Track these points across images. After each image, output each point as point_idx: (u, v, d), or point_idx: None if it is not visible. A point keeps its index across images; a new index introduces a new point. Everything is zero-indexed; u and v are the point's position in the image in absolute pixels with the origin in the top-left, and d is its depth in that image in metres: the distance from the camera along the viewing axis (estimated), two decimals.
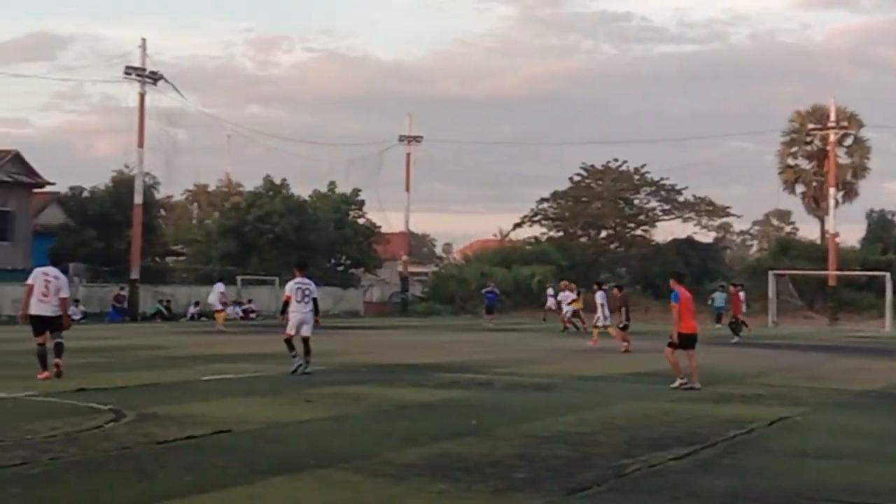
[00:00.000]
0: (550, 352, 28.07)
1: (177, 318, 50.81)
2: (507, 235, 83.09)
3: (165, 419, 12.56)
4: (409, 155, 68.52)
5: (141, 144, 50.31)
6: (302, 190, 68.63)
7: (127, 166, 60.72)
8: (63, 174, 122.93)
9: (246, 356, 23.98)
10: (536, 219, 78.83)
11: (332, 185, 68.01)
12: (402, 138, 68.02)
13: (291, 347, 19.43)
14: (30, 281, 17.57)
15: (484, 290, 52.11)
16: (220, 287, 42.19)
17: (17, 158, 54.51)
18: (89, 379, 17.21)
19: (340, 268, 68.67)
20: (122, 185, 57.56)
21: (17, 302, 46.52)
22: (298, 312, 19.51)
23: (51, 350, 17.48)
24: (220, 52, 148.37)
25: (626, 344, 27.85)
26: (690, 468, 9.88)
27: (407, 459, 9.99)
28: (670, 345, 17.64)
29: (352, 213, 67.69)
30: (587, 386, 18.23)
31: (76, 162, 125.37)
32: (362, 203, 67.88)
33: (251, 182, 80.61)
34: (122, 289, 51.33)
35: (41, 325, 17.39)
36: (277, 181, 65.30)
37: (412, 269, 75.95)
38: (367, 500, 8.31)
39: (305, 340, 19.50)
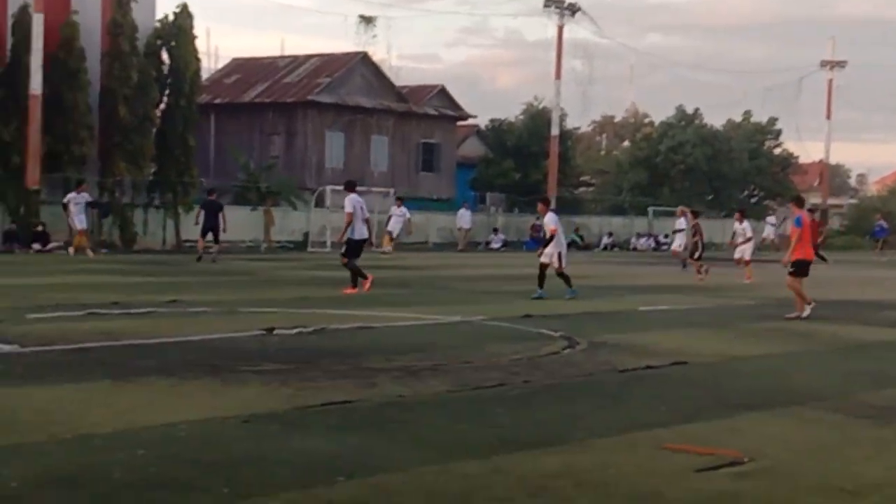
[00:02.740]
0: None
1: (590, 248, 51.56)
2: None
3: (616, 348, 12.71)
4: (830, 81, 65.15)
5: (558, 76, 51.14)
6: (714, 119, 67.34)
7: (536, 98, 62.20)
8: (471, 107, 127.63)
9: (671, 287, 23.90)
10: None
11: (747, 113, 66.08)
12: (823, 63, 64.73)
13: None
14: (349, 209, 19.23)
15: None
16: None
17: (442, 92, 57.17)
18: (532, 306, 17.80)
19: (754, 199, 66.84)
20: (538, 117, 58.96)
21: (443, 230, 49.50)
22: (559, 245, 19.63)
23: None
24: None
25: None
26: None
27: (884, 402, 9.49)
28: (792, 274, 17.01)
29: (767, 143, 65.52)
30: None
31: (482, 95, 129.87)
32: (778, 132, 65.51)
33: (656, 112, 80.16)
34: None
35: (361, 247, 19.59)
36: (689, 111, 64.36)
37: (832, 200, 72.51)
38: (857, 440, 7.95)
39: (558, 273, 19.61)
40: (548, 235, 19.63)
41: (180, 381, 9.47)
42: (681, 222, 31.42)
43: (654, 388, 9.93)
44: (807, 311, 16.87)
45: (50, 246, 33.63)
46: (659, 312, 17.41)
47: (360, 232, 19.44)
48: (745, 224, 28.91)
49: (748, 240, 28.39)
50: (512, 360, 11.38)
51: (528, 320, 15.52)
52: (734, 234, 29.21)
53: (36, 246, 33.22)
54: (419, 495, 6.02)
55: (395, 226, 39.01)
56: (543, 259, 19.52)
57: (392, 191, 47.83)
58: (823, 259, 33.43)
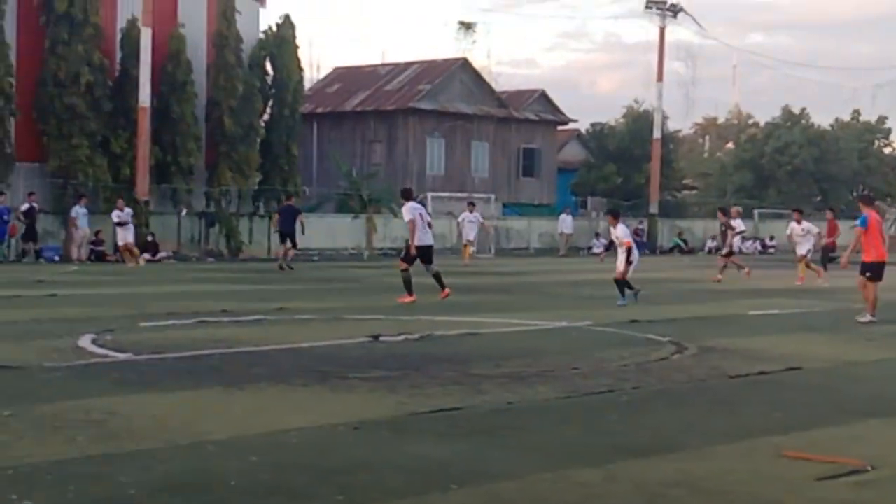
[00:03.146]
0: None
1: (694, 252, 50.82)
2: None
3: (727, 353, 12.46)
4: None
5: (660, 78, 50.57)
6: (822, 119, 65.97)
7: (636, 101, 61.61)
8: (571, 112, 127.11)
9: (781, 291, 23.42)
10: None
11: (856, 112, 64.66)
12: None
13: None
14: (409, 217, 19.02)
15: None
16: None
17: (543, 97, 56.96)
18: (638, 311, 17.58)
19: None
20: (639, 120, 58.40)
21: (544, 235, 49.31)
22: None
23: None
24: None
25: None
26: None
27: None
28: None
29: (877, 142, 63.91)
30: None
31: (581, 99, 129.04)
32: (889, 131, 63.87)
33: (760, 112, 78.97)
34: (640, 223, 52.23)
35: (424, 254, 19.08)
36: (795, 111, 63.13)
37: None
38: None
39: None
40: (622, 248, 19.02)
41: (290, 387, 9.54)
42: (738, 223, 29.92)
43: (769, 395, 9.70)
44: (866, 318, 16.29)
45: (160, 256, 34.34)
46: (770, 317, 17.05)
47: (422, 239, 19.11)
48: (805, 224, 27.64)
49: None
50: (620, 366, 11.23)
51: (634, 325, 15.34)
52: (790, 233, 28.13)
53: (146, 255, 33.94)
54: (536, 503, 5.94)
55: (470, 232, 37.04)
56: (619, 275, 19.15)
57: (493, 196, 47.88)
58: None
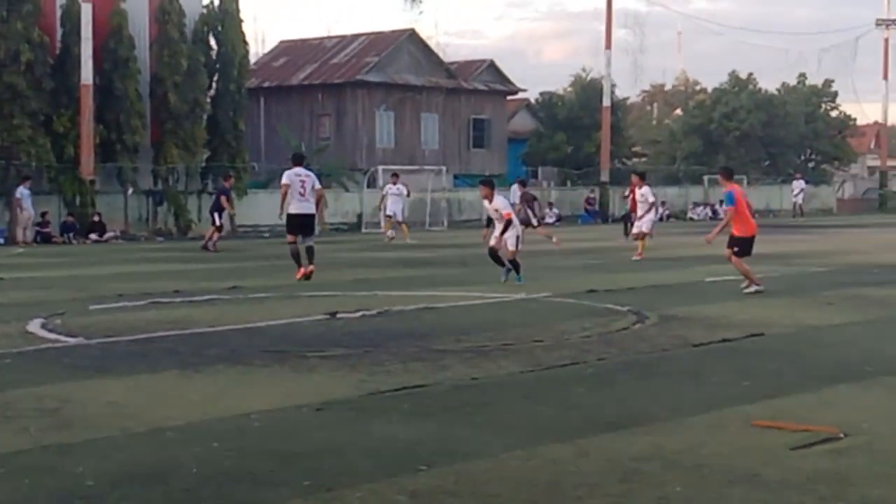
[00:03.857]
0: None
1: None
2: None
3: (688, 321, 12.39)
4: (886, 40, 63.77)
5: (608, 46, 50.41)
6: (768, 84, 66.24)
7: (584, 70, 61.53)
8: (518, 81, 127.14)
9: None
10: None
11: (802, 76, 64.93)
12: (879, 22, 63.37)
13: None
14: (285, 181, 18.07)
15: None
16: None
17: (492, 67, 56.69)
18: (592, 280, 17.49)
19: (811, 164, 65.79)
20: (588, 88, 58.32)
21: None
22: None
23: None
24: None
25: None
26: None
27: None
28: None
29: (823, 106, 64.38)
30: None
31: (528, 69, 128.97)
32: (835, 94, 64.33)
33: (707, 79, 79.23)
34: (591, 192, 52.27)
35: (299, 223, 17.89)
36: (742, 76, 63.38)
37: (890, 162, 71.15)
38: None
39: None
40: (503, 220, 16.95)
41: (248, 369, 9.32)
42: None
43: (733, 363, 9.62)
44: (752, 289, 15.40)
45: (107, 236, 33.78)
46: (727, 283, 17.02)
47: (297, 207, 17.83)
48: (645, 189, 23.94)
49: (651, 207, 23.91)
50: (583, 338, 11.11)
51: (593, 295, 15.23)
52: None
53: (93, 236, 33.38)
54: (507, 483, 5.78)
55: (394, 207, 32.29)
56: (494, 243, 17.24)
57: (444, 168, 47.58)
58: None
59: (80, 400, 7.95)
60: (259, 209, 37.83)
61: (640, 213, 23.89)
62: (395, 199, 32.33)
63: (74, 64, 34.25)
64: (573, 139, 57.10)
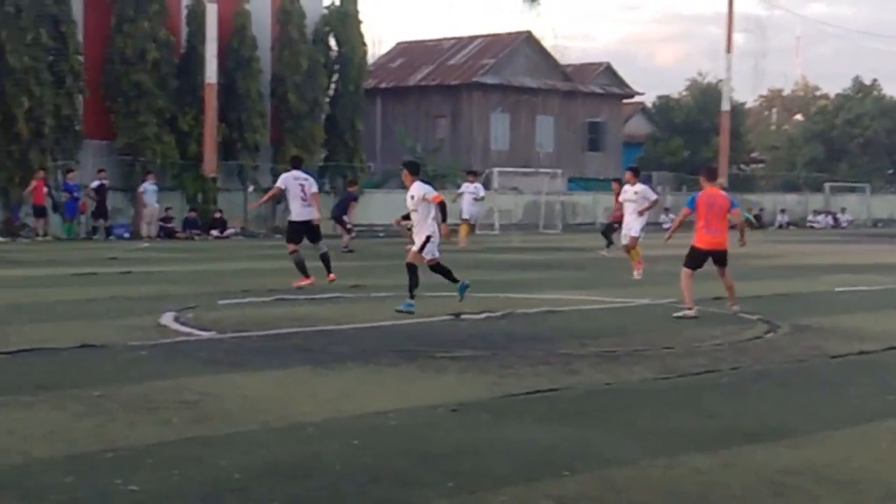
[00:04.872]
0: None
1: (764, 227, 49.97)
2: None
3: (821, 331, 12.07)
4: None
5: (729, 49, 49.61)
6: (892, 90, 64.48)
7: (700, 73, 60.69)
8: (633, 85, 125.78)
9: (865, 267, 22.82)
10: None
11: None
12: None
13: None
14: (280, 185, 17.06)
15: None
16: None
17: (608, 70, 56.27)
18: (716, 287, 17.08)
19: None
20: (706, 92, 57.50)
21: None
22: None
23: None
24: None
25: None
26: None
27: None
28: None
29: None
30: None
31: (640, 72, 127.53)
32: None
33: (827, 84, 77.39)
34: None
35: (299, 231, 16.81)
36: (866, 82, 61.81)
37: None
38: None
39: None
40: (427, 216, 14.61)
41: (377, 367, 9.34)
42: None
43: (874, 375, 9.34)
44: (681, 313, 13.25)
45: (227, 232, 34.41)
46: (859, 293, 16.54)
47: (297, 214, 16.97)
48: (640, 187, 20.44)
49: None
50: (714, 346, 10.89)
51: (719, 302, 14.92)
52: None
53: (214, 232, 34.03)
54: (654, 492, 5.66)
55: (469, 209, 30.23)
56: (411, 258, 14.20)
57: (559, 171, 47.30)
58: None
59: (216, 393, 8.06)
60: (374, 209, 38.17)
61: (631, 214, 20.07)
62: (470, 200, 30.34)
63: (199, 63, 34.96)
64: (690, 143, 56.33)
